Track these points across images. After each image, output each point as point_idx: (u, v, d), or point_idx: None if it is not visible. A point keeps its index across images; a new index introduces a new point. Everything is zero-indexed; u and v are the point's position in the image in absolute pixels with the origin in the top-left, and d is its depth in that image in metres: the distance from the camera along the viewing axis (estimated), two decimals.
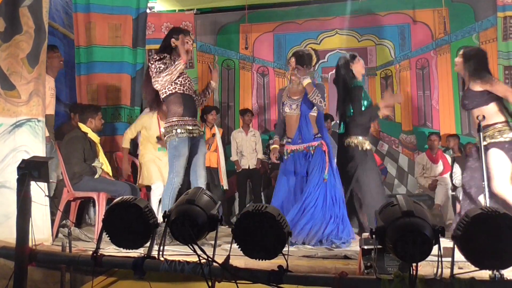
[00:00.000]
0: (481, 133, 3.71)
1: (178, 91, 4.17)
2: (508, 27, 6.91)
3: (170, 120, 4.19)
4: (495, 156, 3.88)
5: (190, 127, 4.18)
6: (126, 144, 5.56)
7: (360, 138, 4.53)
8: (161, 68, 4.11)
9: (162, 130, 4.42)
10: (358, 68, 4.69)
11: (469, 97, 4.06)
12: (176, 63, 4.12)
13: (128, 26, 6.59)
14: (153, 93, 4.32)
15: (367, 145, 4.54)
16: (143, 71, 6.84)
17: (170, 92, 4.17)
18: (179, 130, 4.14)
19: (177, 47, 4.21)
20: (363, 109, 4.54)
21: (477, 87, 4.00)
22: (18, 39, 3.68)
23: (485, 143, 3.83)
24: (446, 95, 7.50)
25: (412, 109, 7.62)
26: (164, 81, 4.09)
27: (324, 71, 7.92)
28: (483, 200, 3.71)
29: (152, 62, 4.19)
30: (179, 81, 4.17)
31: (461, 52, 4.25)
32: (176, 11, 8.18)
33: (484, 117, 3.83)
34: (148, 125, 5.53)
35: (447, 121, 7.46)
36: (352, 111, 4.57)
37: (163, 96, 4.23)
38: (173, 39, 4.28)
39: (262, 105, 8.11)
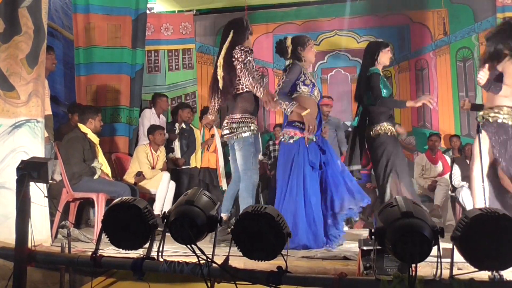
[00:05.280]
0: (479, 134, 3.71)
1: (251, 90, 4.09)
2: None
3: (243, 116, 4.09)
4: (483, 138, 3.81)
5: (256, 126, 4.16)
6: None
7: (385, 124, 4.50)
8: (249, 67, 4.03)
9: (231, 125, 4.13)
10: (384, 59, 4.60)
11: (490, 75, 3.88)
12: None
13: (127, 27, 6.59)
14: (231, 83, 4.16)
15: (394, 131, 4.53)
16: (143, 71, 6.87)
17: (247, 89, 4.09)
18: (252, 127, 4.11)
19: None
20: (383, 95, 4.45)
21: (499, 66, 3.87)
22: (17, 40, 3.68)
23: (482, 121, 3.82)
24: (446, 96, 7.50)
25: (411, 110, 7.62)
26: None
27: (324, 72, 7.92)
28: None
29: (245, 55, 4.02)
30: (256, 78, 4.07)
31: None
32: (176, 12, 8.20)
33: (484, 118, 3.83)
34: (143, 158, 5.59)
35: (446, 122, 7.46)
36: (370, 98, 4.51)
37: (238, 92, 4.11)
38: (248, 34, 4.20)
39: (261, 105, 8.08)
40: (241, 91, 4.12)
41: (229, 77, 4.11)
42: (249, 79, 3.97)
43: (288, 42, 4.28)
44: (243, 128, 4.08)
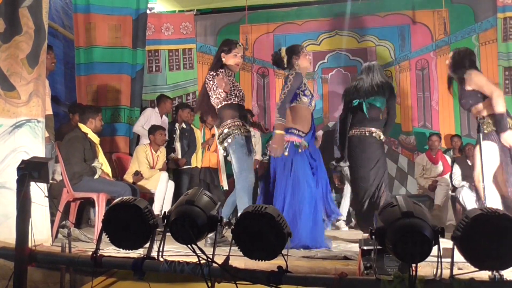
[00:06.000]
0: (480, 134, 3.71)
1: (233, 102, 4.17)
2: (508, 28, 6.91)
3: (232, 122, 4.15)
4: (485, 148, 3.82)
5: (246, 129, 4.21)
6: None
7: (374, 129, 4.75)
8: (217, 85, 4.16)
9: (223, 131, 4.22)
10: None
11: (464, 97, 4.11)
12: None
13: (128, 27, 6.60)
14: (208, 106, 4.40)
15: (382, 137, 4.78)
16: (143, 71, 6.88)
17: (226, 103, 4.17)
18: (242, 129, 4.16)
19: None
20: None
21: (467, 86, 4.03)
22: (18, 40, 3.68)
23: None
24: (446, 96, 7.47)
25: (411, 110, 7.62)
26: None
27: (324, 71, 7.92)
28: None
29: (209, 79, 4.19)
30: (234, 93, 4.17)
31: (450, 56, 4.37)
32: (176, 12, 8.20)
33: (484, 117, 3.83)
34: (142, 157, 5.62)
35: (446, 122, 7.46)
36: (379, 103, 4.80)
37: (218, 107, 4.22)
38: (223, 53, 4.26)
39: (262, 106, 8.10)
40: (222, 104, 4.19)
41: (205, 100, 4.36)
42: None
43: (283, 53, 4.35)
44: (234, 131, 4.13)
